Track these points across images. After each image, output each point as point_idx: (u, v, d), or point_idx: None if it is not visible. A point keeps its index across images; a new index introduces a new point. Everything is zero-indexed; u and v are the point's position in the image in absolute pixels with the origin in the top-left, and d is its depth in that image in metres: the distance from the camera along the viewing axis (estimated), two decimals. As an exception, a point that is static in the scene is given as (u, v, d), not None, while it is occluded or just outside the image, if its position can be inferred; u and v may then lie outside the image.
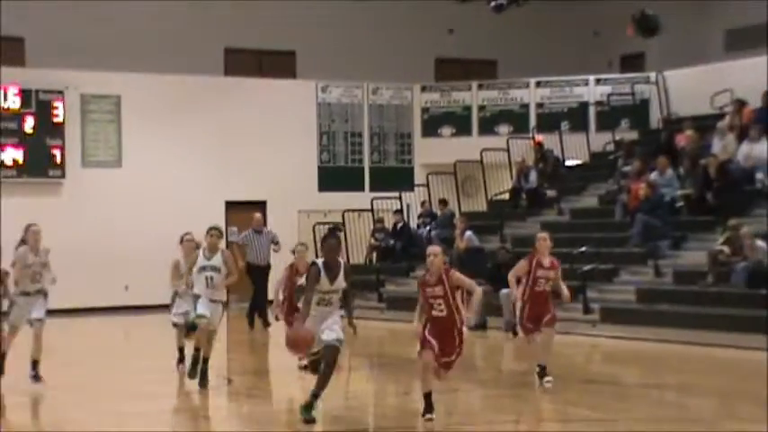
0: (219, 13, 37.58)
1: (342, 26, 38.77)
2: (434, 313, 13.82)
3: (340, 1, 38.73)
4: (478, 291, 15.10)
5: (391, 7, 38.74)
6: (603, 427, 14.29)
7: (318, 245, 26.51)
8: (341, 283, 13.82)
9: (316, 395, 13.69)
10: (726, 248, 26.22)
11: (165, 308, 34.06)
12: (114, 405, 16.30)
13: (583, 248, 27.23)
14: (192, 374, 17.56)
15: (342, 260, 14.12)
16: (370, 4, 38.82)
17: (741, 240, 25.48)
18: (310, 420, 13.46)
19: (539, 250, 17.71)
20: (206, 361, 17.44)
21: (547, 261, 17.56)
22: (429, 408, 13.71)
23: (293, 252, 20.38)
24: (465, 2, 21.33)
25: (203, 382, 17.26)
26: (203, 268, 17.10)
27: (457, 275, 14.24)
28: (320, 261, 13.92)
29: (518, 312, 17.66)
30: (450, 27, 36.57)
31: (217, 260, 17.19)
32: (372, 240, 36.88)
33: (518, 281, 18.06)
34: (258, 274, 29.36)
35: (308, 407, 13.65)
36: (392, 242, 35.82)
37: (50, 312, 23.99)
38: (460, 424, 14.97)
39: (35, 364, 17.65)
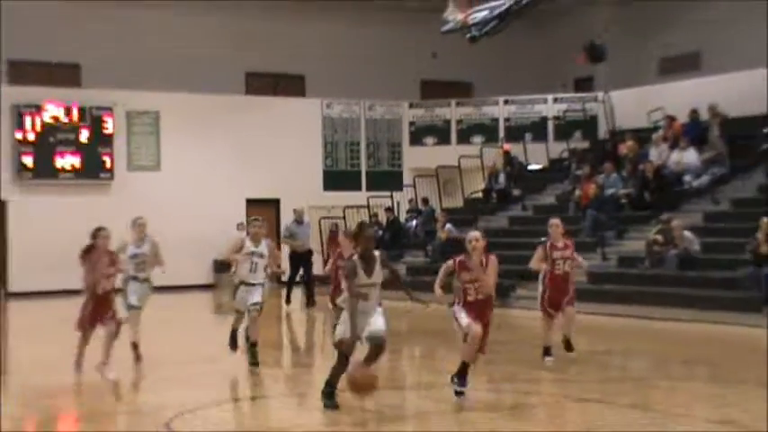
0: (241, 43, 37.59)
1: (343, 54, 38.77)
2: (470, 298, 12.49)
3: (341, 33, 38.98)
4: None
5: (384, 38, 38.84)
6: (560, 387, 14.45)
7: (328, 237, 26.65)
8: (378, 275, 12.02)
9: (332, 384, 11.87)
10: (659, 238, 26.62)
11: (196, 288, 34.74)
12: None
13: (543, 239, 27.49)
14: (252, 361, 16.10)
15: (377, 252, 12.27)
16: (367, 36, 38.97)
17: (672, 232, 25.81)
18: (333, 407, 11.65)
19: (552, 236, 16.66)
20: (255, 344, 16.24)
21: (561, 243, 16.53)
22: (464, 381, 12.51)
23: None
24: (445, 34, 21.42)
25: (254, 361, 16.04)
26: (251, 254, 16.08)
27: (495, 263, 12.95)
28: (356, 255, 12.18)
29: (538, 296, 16.50)
30: (434, 53, 36.82)
31: (262, 248, 16.19)
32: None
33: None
34: (300, 258, 28.82)
35: (330, 395, 11.85)
36: (383, 233, 36.16)
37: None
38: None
39: (135, 345, 16.51)
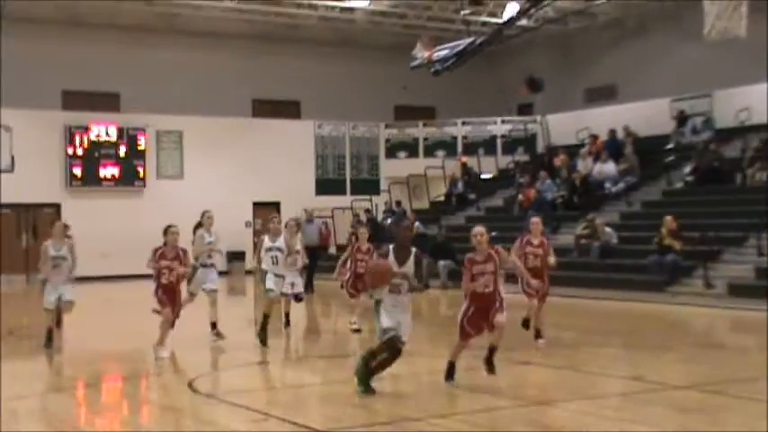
0: (248, 75, 37.48)
1: (331, 84, 38.65)
2: (479, 290, 10.99)
3: (330, 68, 38.99)
4: (519, 264, 13.76)
5: (365, 71, 38.83)
6: (505, 353, 14.30)
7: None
8: (410, 268, 10.53)
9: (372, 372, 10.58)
10: (585, 233, 26.87)
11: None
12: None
13: (494, 233, 27.60)
14: (261, 337, 14.94)
15: (414, 249, 10.82)
16: (351, 69, 38.95)
17: (595, 227, 26.14)
18: (370, 392, 10.37)
19: (532, 232, 15.42)
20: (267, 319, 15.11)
21: (536, 241, 15.19)
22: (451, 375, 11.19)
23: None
24: (414, 69, 21.57)
25: (264, 340, 14.90)
26: (270, 249, 15.23)
27: (505, 254, 11.92)
28: (391, 245, 10.75)
29: (519, 281, 14.64)
30: (405, 84, 36.84)
31: (280, 242, 15.31)
32: (351, 228, 37.12)
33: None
34: (308, 252, 28.28)
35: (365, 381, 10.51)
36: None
37: (134, 277, 24.34)
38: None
39: (214, 324, 15.84)
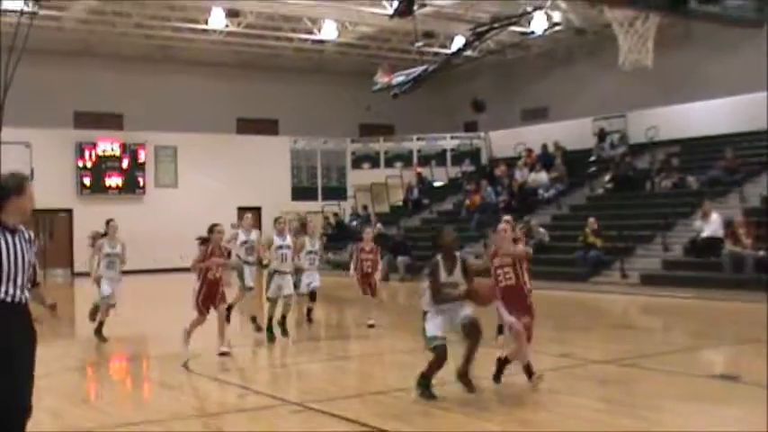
0: (234, 98, 37.43)
1: (305, 105, 38.51)
2: (503, 283, 9.65)
3: (304, 90, 38.92)
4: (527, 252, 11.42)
5: (334, 94, 38.63)
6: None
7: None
8: (459, 275, 9.02)
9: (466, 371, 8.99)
10: (522, 232, 27.05)
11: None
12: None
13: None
14: (270, 338, 13.61)
15: (459, 254, 9.29)
16: (322, 92, 38.82)
17: (530, 228, 26.25)
18: (431, 397, 8.70)
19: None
20: (284, 318, 14.09)
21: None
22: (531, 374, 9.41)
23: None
24: (375, 92, 21.59)
25: (284, 333, 13.86)
26: (279, 247, 13.93)
27: (518, 246, 10.25)
28: (439, 255, 9.05)
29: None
30: (368, 105, 36.83)
31: (287, 240, 14.15)
32: (323, 229, 37.19)
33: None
34: None
35: (427, 387, 8.79)
36: (333, 230, 36.26)
37: (135, 272, 24.04)
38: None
39: (254, 319, 15.00)
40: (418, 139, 39.25)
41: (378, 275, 15.73)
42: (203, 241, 12.46)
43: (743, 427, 6.34)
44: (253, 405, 8.98)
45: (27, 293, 5.55)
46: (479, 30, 23.49)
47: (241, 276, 15.54)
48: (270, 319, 13.77)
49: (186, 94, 36.56)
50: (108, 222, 14.41)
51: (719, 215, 22.37)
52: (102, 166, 33.79)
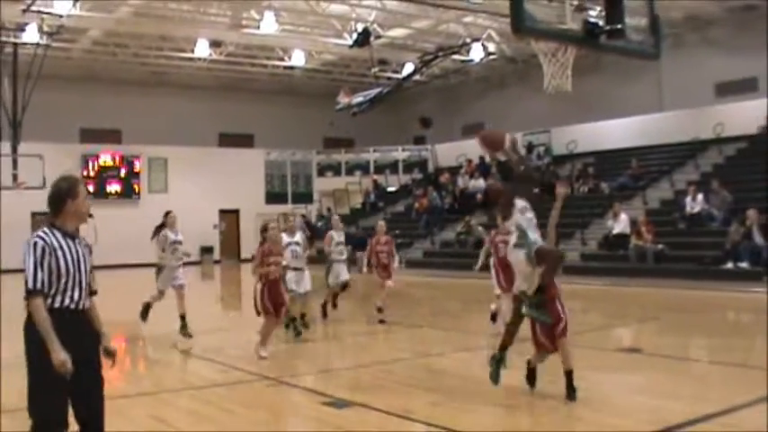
0: (216, 115, 37.43)
1: (277, 121, 38.59)
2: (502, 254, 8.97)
3: (276, 109, 38.86)
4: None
5: (302, 112, 38.57)
6: (404, 319, 14.11)
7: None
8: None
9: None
10: (463, 230, 27.17)
11: (189, 264, 34.41)
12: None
13: (397, 231, 27.85)
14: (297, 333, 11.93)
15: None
16: (292, 110, 38.74)
17: (470, 227, 26.40)
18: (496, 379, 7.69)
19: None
20: (304, 315, 12.51)
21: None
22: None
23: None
24: (338, 111, 21.60)
25: (298, 333, 11.98)
26: (289, 244, 12.24)
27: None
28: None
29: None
30: (331, 122, 36.84)
31: (299, 237, 12.60)
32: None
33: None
34: None
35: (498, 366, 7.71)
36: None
37: (132, 266, 23.57)
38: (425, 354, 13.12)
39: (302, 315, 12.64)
40: (374, 150, 39.24)
41: (394, 265, 14.10)
42: (261, 243, 10.50)
43: (645, 390, 6.48)
44: (233, 380, 8.97)
45: (88, 301, 4.79)
46: (426, 58, 23.69)
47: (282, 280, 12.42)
48: (294, 318, 12.12)
49: (175, 113, 36.41)
50: (167, 214, 12.97)
51: (627, 215, 22.71)
52: (104, 174, 33.54)
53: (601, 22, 8.06)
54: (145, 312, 12.82)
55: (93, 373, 4.66)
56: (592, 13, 8.40)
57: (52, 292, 4.60)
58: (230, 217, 37.07)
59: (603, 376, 8.61)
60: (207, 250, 35.56)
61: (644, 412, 6.62)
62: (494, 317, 12.20)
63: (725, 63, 27.56)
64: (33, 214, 30.11)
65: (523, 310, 7.51)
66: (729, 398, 6.82)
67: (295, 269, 12.32)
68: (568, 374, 7.20)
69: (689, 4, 26.68)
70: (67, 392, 4.53)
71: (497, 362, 7.66)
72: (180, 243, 12.72)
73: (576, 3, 8.33)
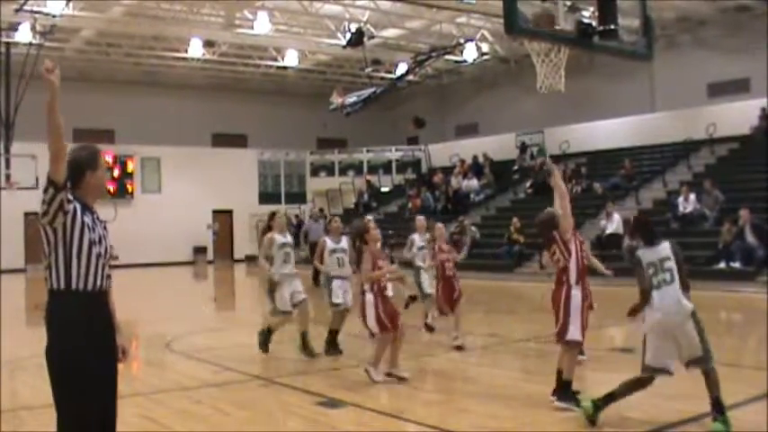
0: (209, 116, 37.45)
1: (270, 122, 38.68)
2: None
3: (269, 110, 38.88)
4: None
5: (295, 113, 38.74)
6: None
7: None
8: None
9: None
10: (457, 230, 27.11)
11: (183, 263, 34.44)
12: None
13: (390, 231, 27.79)
14: (329, 351, 10.27)
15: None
16: (285, 111, 38.91)
17: (464, 226, 26.39)
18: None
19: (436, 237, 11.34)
20: (337, 332, 10.45)
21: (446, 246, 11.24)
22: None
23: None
24: (331, 111, 21.60)
25: (336, 351, 10.31)
26: (334, 251, 10.38)
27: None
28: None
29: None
30: (325, 123, 36.93)
31: (343, 243, 10.47)
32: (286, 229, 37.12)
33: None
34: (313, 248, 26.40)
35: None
36: (295, 230, 36.15)
37: (126, 266, 23.46)
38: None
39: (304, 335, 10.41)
40: (368, 151, 39.28)
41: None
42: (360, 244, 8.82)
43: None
44: (226, 380, 8.94)
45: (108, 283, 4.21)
46: (420, 58, 23.71)
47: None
48: (335, 332, 10.44)
49: (168, 113, 36.43)
50: (273, 215, 10.98)
51: (620, 215, 22.72)
52: (96, 174, 33.34)
53: (594, 23, 8.06)
54: (264, 342, 10.43)
55: (114, 362, 4.21)
56: (585, 13, 8.40)
57: (81, 271, 4.01)
58: (223, 217, 37.06)
59: (597, 376, 8.61)
60: (200, 250, 35.58)
61: (638, 411, 6.62)
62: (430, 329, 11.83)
63: (717, 64, 27.65)
64: (26, 214, 30.08)
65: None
66: (723, 397, 6.81)
67: (340, 278, 10.39)
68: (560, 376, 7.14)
69: (681, 4, 26.74)
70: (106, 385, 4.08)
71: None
72: (291, 246, 10.54)
73: (569, 3, 8.34)
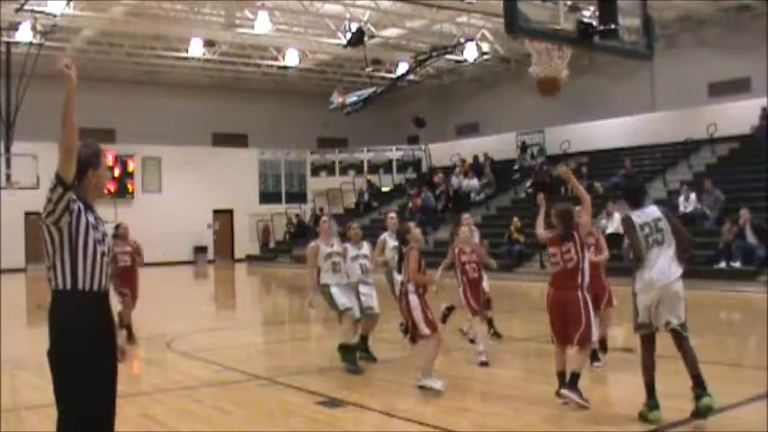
0: (210, 116, 37.47)
1: (270, 121, 38.69)
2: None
3: (270, 109, 38.91)
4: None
5: (296, 112, 38.73)
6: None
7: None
8: None
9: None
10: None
11: (183, 263, 34.44)
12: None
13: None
14: (354, 363, 9.07)
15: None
16: (285, 110, 38.91)
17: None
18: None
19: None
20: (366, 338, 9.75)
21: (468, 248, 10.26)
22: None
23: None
24: (331, 111, 21.60)
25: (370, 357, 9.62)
26: (356, 257, 9.61)
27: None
28: None
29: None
30: (325, 123, 36.93)
31: (365, 249, 9.83)
32: (286, 228, 37.20)
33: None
34: None
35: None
36: (296, 229, 36.22)
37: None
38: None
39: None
40: (368, 150, 39.32)
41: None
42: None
43: (639, 390, 6.47)
44: (227, 379, 8.95)
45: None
46: (420, 57, 23.70)
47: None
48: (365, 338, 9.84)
49: (169, 113, 36.42)
50: (320, 220, 10.32)
51: (620, 214, 22.70)
52: (97, 174, 33.38)
53: (594, 23, 8.06)
54: (353, 357, 9.26)
55: (115, 362, 4.15)
56: (585, 13, 8.40)
57: (87, 271, 3.95)
58: (224, 217, 37.11)
59: (598, 376, 8.61)
60: (201, 250, 35.63)
61: (638, 411, 6.61)
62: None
63: (718, 63, 27.64)
64: (27, 214, 30.12)
65: None
66: (723, 397, 6.82)
67: (365, 284, 9.71)
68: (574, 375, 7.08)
69: (682, 4, 26.74)
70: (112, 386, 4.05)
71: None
72: (339, 255, 9.47)
73: (569, 3, 8.33)
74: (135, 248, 11.81)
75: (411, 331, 8.05)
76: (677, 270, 6.34)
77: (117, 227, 11.78)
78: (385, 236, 11.36)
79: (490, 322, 10.71)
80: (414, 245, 8.19)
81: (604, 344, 8.99)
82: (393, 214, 12.29)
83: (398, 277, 9.86)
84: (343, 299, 9.19)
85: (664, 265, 6.32)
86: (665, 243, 6.37)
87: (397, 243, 9.46)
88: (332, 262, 9.30)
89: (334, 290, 9.21)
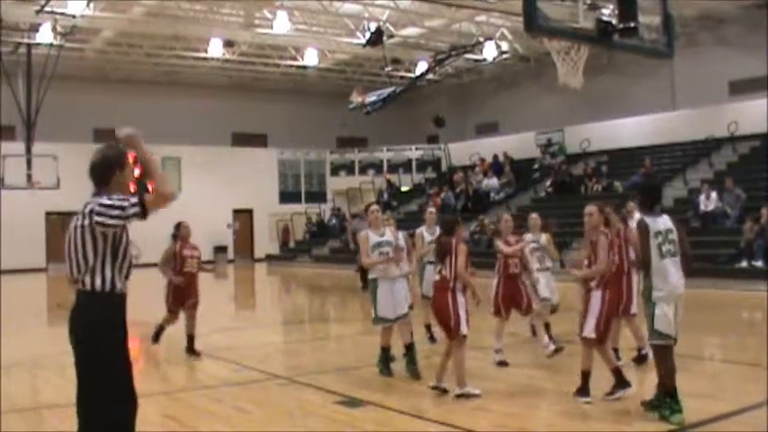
0: (229, 115, 37.62)
1: (290, 121, 38.75)
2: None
3: (290, 108, 38.99)
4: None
5: (315, 112, 38.83)
6: None
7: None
8: None
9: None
10: (477, 229, 27.12)
11: (205, 263, 34.53)
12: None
13: (411, 231, 27.88)
14: (386, 371, 8.73)
15: None
16: (305, 110, 38.96)
17: (484, 225, 26.38)
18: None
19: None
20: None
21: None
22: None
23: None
24: (351, 110, 21.65)
25: (416, 371, 8.59)
26: (377, 245, 8.67)
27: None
28: None
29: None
30: (344, 122, 36.95)
31: (389, 235, 8.79)
32: (306, 228, 37.27)
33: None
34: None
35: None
36: (315, 229, 36.29)
37: (150, 265, 23.75)
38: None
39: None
40: (388, 150, 39.28)
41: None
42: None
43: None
44: (246, 379, 8.98)
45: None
46: (439, 57, 23.71)
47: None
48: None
49: (188, 113, 36.53)
50: (368, 207, 9.42)
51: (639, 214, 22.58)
52: (117, 174, 33.50)
53: (614, 21, 8.03)
54: (386, 365, 8.90)
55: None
56: (604, 11, 8.37)
57: (123, 274, 4.10)
58: (244, 216, 37.21)
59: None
60: (221, 250, 35.71)
61: (658, 413, 6.57)
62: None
63: (738, 61, 27.43)
64: (47, 214, 30.36)
65: None
66: (744, 397, 6.78)
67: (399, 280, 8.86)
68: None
69: (702, 2, 26.56)
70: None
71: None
72: (391, 245, 8.74)
73: (588, 1, 8.31)
74: (199, 252, 10.99)
75: (447, 329, 7.66)
76: (683, 280, 6.61)
77: (178, 226, 10.94)
78: (422, 230, 11.14)
79: (547, 327, 10.11)
80: (461, 239, 7.81)
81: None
82: (432, 209, 12.08)
83: (428, 275, 10.35)
84: (383, 309, 8.63)
85: (677, 276, 6.52)
86: (677, 254, 6.55)
87: (433, 238, 9.44)
88: (380, 252, 8.67)
89: (379, 293, 8.63)
